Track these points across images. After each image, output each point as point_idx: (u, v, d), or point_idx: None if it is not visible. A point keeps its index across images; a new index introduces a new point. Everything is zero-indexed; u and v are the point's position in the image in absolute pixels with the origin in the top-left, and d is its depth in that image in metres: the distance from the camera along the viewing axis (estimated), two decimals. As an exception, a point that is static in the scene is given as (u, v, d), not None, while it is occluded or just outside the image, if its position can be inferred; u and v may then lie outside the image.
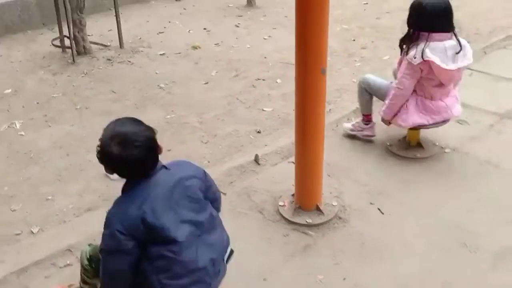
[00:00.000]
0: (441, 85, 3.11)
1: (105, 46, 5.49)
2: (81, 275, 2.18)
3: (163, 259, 1.85)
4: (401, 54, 3.18)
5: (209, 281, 1.98)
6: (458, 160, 3.32)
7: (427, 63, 2.97)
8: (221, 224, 2.11)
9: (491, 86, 4.30)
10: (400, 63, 3.21)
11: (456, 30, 3.09)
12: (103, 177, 3.20)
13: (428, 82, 3.09)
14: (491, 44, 5.12)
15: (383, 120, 3.31)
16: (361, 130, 3.51)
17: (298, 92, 2.61)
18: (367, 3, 6.86)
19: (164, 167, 1.93)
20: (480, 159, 3.30)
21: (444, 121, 3.25)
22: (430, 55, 2.96)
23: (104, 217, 2.26)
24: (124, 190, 1.91)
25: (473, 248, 2.57)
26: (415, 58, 2.98)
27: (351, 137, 3.56)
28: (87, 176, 3.30)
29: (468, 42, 3.19)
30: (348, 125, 3.59)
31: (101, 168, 1.91)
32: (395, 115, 3.20)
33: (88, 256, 2.09)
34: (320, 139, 2.70)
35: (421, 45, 2.98)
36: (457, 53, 3.02)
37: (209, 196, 2.08)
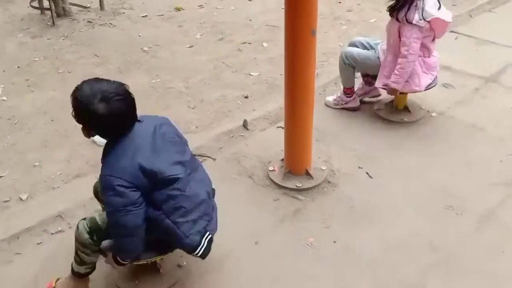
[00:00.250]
0: (434, 39, 3.16)
1: (85, 7, 5.33)
2: (77, 256, 2.06)
3: (171, 199, 1.94)
4: (397, 19, 3.05)
5: (211, 214, 2.12)
6: (444, 124, 3.36)
7: (436, 20, 3.00)
8: (199, 161, 2.23)
9: (476, 50, 4.32)
10: (391, 28, 3.15)
11: None
12: (89, 143, 3.16)
13: (427, 39, 3.12)
14: (477, 7, 5.12)
15: (390, 91, 3.22)
16: (345, 103, 3.49)
17: (288, 55, 2.58)
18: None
19: (138, 120, 1.96)
20: (466, 123, 3.35)
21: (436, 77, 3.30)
22: (434, 13, 2.99)
23: (93, 184, 2.25)
24: (107, 150, 1.92)
25: (459, 211, 2.64)
26: (421, 20, 2.98)
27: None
28: (73, 142, 3.25)
29: (454, 5, 3.19)
30: (330, 99, 3.56)
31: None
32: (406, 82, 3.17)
33: (87, 229, 2.01)
34: (309, 103, 2.69)
35: (420, 6, 2.97)
36: (439, 8, 3.04)
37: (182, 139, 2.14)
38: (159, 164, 1.89)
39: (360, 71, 3.50)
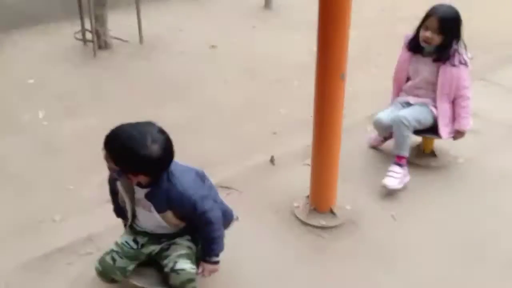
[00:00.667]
0: None
1: (125, 41, 5.59)
2: None
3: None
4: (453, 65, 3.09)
5: None
6: (471, 170, 3.37)
7: None
8: None
9: (504, 97, 4.34)
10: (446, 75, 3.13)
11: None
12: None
13: None
14: (509, 55, 5.15)
15: (458, 135, 3.26)
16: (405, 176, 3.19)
17: (317, 96, 2.68)
18: (383, 10, 6.91)
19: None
20: (493, 170, 3.35)
21: None
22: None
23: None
24: (160, 186, 2.05)
25: (484, 259, 2.62)
26: (469, 60, 3.16)
27: (366, 144, 3.64)
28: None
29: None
30: (394, 183, 3.09)
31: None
32: None
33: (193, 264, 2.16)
34: (336, 143, 2.76)
35: (462, 51, 3.11)
36: None
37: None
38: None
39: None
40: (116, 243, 2.26)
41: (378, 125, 3.31)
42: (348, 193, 3.08)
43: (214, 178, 3.20)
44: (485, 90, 4.45)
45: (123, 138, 1.90)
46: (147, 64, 5.15)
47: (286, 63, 5.18)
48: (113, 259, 2.20)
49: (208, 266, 2.23)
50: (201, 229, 2.16)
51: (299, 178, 3.17)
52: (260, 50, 5.56)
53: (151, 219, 2.15)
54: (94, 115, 4.13)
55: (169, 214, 2.10)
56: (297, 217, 2.89)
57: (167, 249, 2.20)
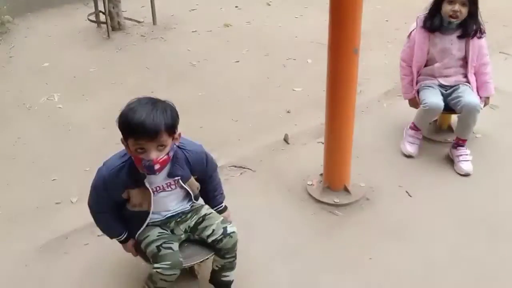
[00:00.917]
0: None
1: (139, 22, 5.58)
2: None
3: None
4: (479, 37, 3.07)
5: None
6: (489, 145, 3.30)
7: None
8: None
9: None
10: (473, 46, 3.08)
11: None
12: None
13: None
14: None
15: (488, 100, 3.28)
16: None
17: (330, 72, 2.64)
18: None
19: None
20: (511, 145, 3.27)
21: None
22: None
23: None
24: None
25: (500, 233, 2.59)
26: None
27: (383, 119, 3.59)
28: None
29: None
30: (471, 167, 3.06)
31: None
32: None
33: None
34: (350, 120, 2.73)
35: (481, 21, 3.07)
36: None
37: None
38: None
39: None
40: (151, 241, 2.12)
41: (437, 112, 3.09)
42: (362, 170, 3.05)
43: (228, 158, 3.26)
44: (504, 64, 4.33)
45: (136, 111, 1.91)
46: (160, 45, 5.14)
47: (300, 41, 5.11)
48: (167, 248, 2.07)
49: (227, 212, 2.33)
50: (210, 177, 2.26)
51: (313, 157, 3.15)
52: (274, 28, 5.49)
53: (175, 197, 2.16)
54: (108, 96, 4.15)
55: (192, 179, 2.15)
56: (311, 195, 2.88)
57: (203, 220, 2.18)
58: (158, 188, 2.09)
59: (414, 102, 3.24)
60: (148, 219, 2.14)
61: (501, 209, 2.76)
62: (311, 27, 5.36)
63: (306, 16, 5.74)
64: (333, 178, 2.88)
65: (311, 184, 2.95)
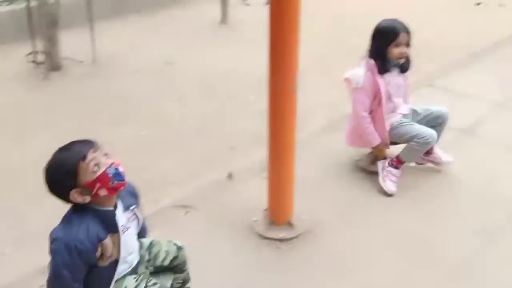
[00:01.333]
0: None
1: (79, 61, 5.51)
2: None
3: None
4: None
5: None
6: (423, 174, 3.47)
7: None
8: None
9: (453, 103, 4.48)
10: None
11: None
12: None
13: None
14: (454, 62, 5.37)
15: None
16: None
17: (270, 110, 2.71)
18: (335, 22, 7.07)
19: None
20: (445, 173, 3.46)
21: None
22: None
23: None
24: None
25: (438, 260, 2.70)
26: None
27: (324, 154, 3.70)
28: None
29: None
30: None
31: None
32: None
33: None
34: (291, 155, 2.80)
35: None
36: None
37: None
38: None
39: None
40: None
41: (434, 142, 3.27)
42: (305, 204, 3.11)
43: (171, 197, 3.23)
44: (434, 96, 4.60)
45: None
46: (101, 84, 5.08)
47: (242, 78, 5.21)
48: (154, 284, 2.05)
49: None
50: (138, 204, 2.12)
51: (257, 192, 3.18)
52: (217, 66, 5.58)
53: (134, 232, 2.08)
54: (47, 139, 4.03)
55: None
56: (256, 231, 2.90)
57: (151, 249, 2.19)
58: (123, 228, 1.99)
59: (382, 145, 3.35)
60: (117, 269, 1.99)
61: (435, 235, 2.88)
62: (254, 65, 5.46)
63: (249, 55, 5.85)
64: (277, 212, 2.92)
65: (256, 220, 2.97)
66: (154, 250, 2.18)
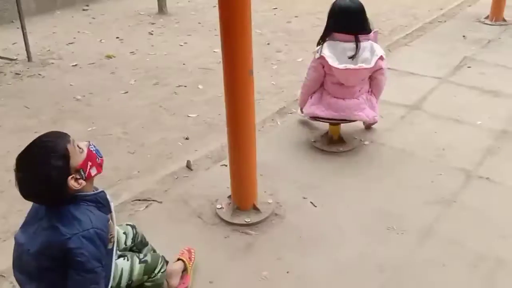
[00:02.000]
0: (341, 83, 3.29)
1: (12, 60, 5.19)
2: None
3: None
4: None
5: None
6: (377, 151, 3.57)
7: (324, 60, 3.19)
8: None
9: (398, 81, 4.66)
10: None
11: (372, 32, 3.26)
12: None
13: (328, 78, 3.32)
14: (394, 42, 5.55)
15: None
16: None
17: (228, 95, 2.67)
18: (276, 8, 7.11)
19: None
20: (396, 149, 3.57)
21: (346, 120, 3.43)
22: (325, 52, 3.19)
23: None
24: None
25: (400, 230, 2.79)
26: (317, 52, 3.25)
27: (281, 137, 3.72)
28: (9, 198, 3.12)
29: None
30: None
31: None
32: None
33: None
34: (252, 140, 2.78)
35: (324, 42, 3.22)
36: (350, 57, 3.19)
37: None
38: None
39: None
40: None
41: None
42: (268, 187, 3.12)
43: (130, 192, 3.14)
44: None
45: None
46: (40, 81, 4.82)
47: (188, 67, 5.12)
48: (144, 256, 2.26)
49: None
50: None
51: (219, 180, 3.15)
52: (161, 57, 5.44)
53: None
54: (-14, 142, 3.78)
55: None
56: (222, 219, 2.87)
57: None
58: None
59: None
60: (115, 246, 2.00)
61: (394, 207, 2.98)
62: (197, 54, 5.41)
63: (191, 44, 5.78)
64: (242, 198, 2.90)
65: (221, 208, 2.94)
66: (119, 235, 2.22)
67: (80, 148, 1.85)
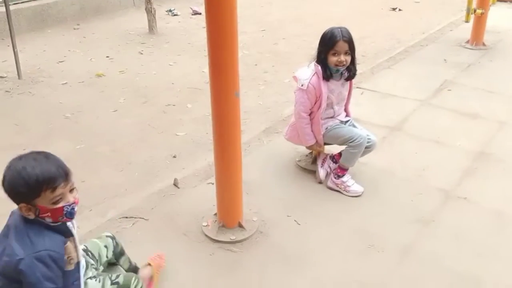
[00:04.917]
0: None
1: (2, 77, 5.25)
2: None
3: None
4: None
5: None
6: (359, 170, 3.66)
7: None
8: None
9: (380, 103, 4.80)
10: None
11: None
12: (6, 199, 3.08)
13: None
14: (378, 65, 5.71)
15: None
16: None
17: (215, 116, 2.75)
18: (264, 30, 7.27)
19: None
20: (377, 168, 3.68)
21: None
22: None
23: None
24: None
25: (380, 248, 2.88)
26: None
27: (266, 156, 3.79)
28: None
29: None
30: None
31: (14, 205, 1.89)
32: None
33: None
34: (238, 159, 2.86)
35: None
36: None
37: None
38: None
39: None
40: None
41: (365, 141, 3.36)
42: (253, 205, 3.19)
43: (117, 210, 3.19)
44: (362, 97, 4.87)
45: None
46: (29, 99, 4.88)
47: (176, 87, 5.22)
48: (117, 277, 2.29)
49: None
50: None
51: (205, 198, 3.22)
52: (150, 76, 5.54)
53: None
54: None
55: None
56: (207, 236, 2.93)
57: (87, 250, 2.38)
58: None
59: (316, 146, 3.51)
60: (81, 270, 2.03)
61: (375, 226, 3.07)
62: (186, 74, 5.52)
63: (180, 63, 5.89)
64: (227, 216, 2.97)
65: (207, 225, 3.00)
66: (94, 251, 2.30)
67: (60, 199, 1.84)
